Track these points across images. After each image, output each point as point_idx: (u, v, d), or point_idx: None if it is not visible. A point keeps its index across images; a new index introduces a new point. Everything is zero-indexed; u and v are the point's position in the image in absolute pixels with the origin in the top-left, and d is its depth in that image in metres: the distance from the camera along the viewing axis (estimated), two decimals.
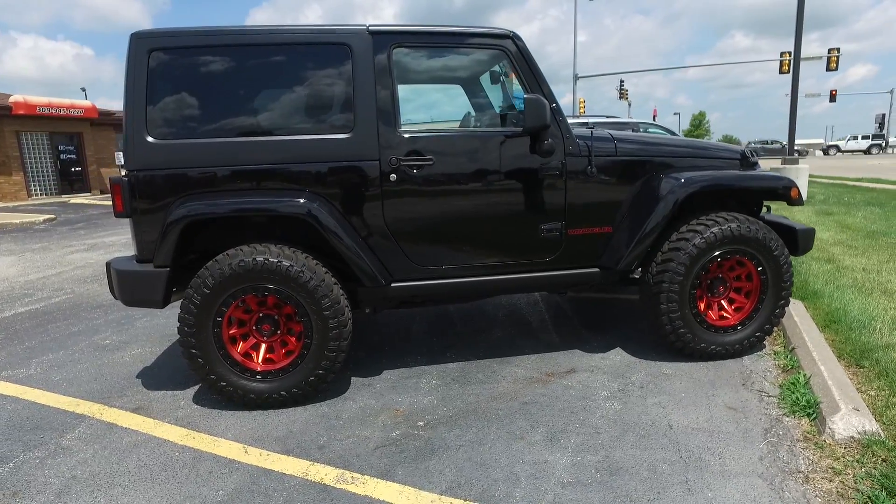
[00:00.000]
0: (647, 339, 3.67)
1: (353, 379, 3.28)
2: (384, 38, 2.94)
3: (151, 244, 2.89)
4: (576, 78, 28.31)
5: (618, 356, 3.44)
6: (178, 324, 2.83)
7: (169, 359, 3.73)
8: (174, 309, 4.70)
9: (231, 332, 2.90)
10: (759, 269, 3.19)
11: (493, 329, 4.04)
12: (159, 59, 2.82)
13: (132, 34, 2.84)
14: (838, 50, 24.03)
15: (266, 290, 2.82)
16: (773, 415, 2.64)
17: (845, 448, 2.28)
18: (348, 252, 2.89)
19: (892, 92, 41.96)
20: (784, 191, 3.27)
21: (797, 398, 2.68)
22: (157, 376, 3.44)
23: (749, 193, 3.42)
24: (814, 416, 2.54)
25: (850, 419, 2.37)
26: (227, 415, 2.89)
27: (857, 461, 2.19)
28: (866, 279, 4.46)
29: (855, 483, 2.08)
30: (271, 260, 2.77)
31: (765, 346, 3.43)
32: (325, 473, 2.34)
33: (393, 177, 2.96)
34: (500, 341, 3.78)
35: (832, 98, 32.32)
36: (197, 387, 3.25)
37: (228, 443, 2.62)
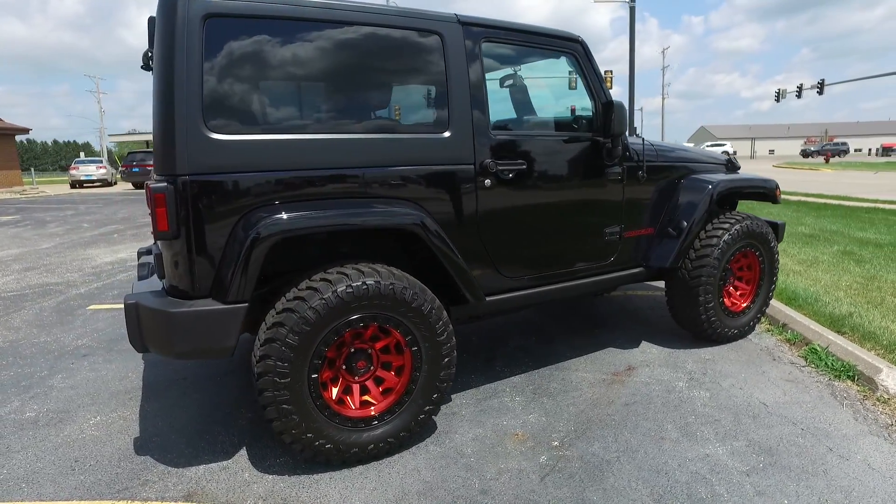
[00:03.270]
0: (657, 331, 3.98)
1: None
2: (475, 31, 2.70)
3: (208, 272, 2.21)
4: None
5: (653, 349, 3.67)
6: (261, 375, 2.19)
7: (163, 422, 2.85)
8: (92, 357, 3.59)
9: (324, 375, 2.36)
10: (760, 259, 3.72)
11: (511, 337, 3.96)
12: (220, 30, 2.16)
13: None
14: (611, 72, 28.83)
15: (371, 319, 2.35)
16: (823, 381, 3.11)
17: None
18: (460, 266, 2.58)
19: (641, 110, 52.33)
20: (772, 192, 3.87)
21: (830, 364, 3.21)
22: (173, 447, 2.61)
23: (752, 194, 3.95)
24: (855, 377, 3.07)
25: (895, 375, 2.92)
26: (324, 479, 2.35)
27: None
28: None
29: None
30: (384, 283, 2.33)
31: (755, 328, 4.00)
32: None
33: (487, 182, 2.73)
34: (530, 348, 3.73)
35: None
36: (243, 451, 2.56)
37: None
